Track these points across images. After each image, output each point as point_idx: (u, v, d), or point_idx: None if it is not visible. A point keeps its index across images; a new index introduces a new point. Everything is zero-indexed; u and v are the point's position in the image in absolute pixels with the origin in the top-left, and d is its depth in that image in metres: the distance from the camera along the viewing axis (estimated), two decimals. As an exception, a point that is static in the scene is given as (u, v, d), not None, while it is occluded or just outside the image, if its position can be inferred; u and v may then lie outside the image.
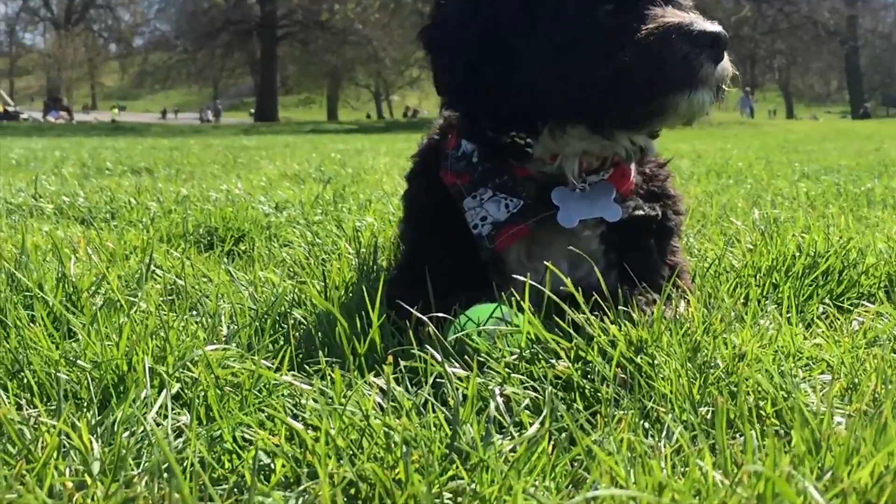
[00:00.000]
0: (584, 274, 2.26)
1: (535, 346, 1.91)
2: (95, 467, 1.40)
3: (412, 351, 1.85)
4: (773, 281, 2.73)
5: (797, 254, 2.87)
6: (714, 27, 2.06)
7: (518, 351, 1.90)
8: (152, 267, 2.88)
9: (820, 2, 57.85)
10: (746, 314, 2.24)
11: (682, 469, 1.44)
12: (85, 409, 1.65)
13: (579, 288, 2.06)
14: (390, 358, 1.79)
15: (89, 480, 1.37)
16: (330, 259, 3.26)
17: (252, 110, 74.08)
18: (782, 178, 7.43)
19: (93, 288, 2.46)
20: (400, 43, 63.43)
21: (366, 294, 2.08)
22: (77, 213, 4.73)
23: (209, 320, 2.16)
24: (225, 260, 3.44)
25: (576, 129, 2.24)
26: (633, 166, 2.40)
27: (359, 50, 62.98)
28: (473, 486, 1.38)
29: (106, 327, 2.01)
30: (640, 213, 2.35)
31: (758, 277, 2.77)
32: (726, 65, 2.12)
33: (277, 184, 6.96)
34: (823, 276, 2.71)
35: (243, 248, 3.83)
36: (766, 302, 2.51)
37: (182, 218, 4.27)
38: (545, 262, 2.17)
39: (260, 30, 62.00)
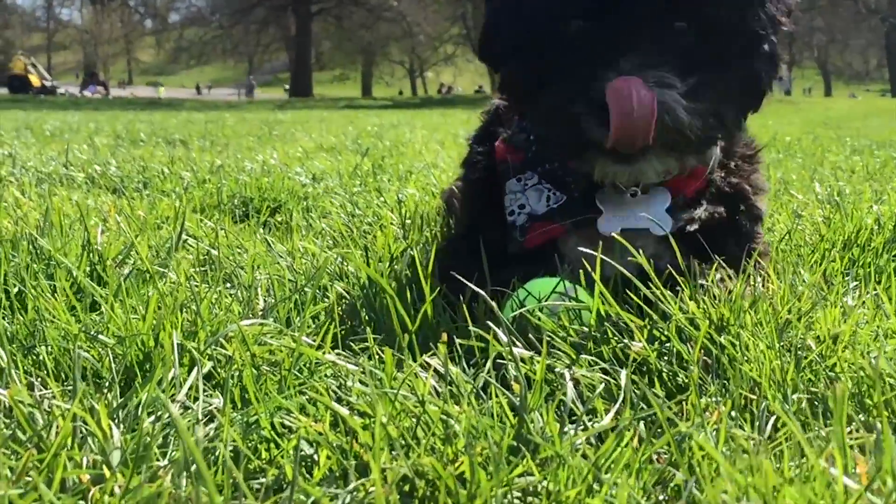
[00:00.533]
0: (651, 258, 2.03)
1: (604, 323, 1.72)
2: (115, 457, 1.21)
3: (469, 328, 1.66)
4: (851, 256, 2.52)
5: (876, 227, 2.66)
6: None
7: (586, 329, 1.71)
8: (184, 236, 2.70)
9: (861, -22, 57.04)
10: (831, 292, 2.03)
11: (791, 466, 1.24)
12: (106, 391, 1.47)
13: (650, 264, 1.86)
14: (445, 336, 1.60)
15: (108, 473, 1.18)
16: (372, 230, 3.08)
17: (286, 86, 74.02)
18: (833, 152, 7.17)
19: (120, 257, 2.28)
20: (434, 19, 63.28)
21: (417, 264, 1.88)
22: (109, 182, 4.57)
23: (244, 293, 1.98)
24: (261, 230, 3.26)
25: None
26: (716, 157, 2.14)
27: (393, 26, 62.81)
28: (547, 484, 1.20)
29: (132, 299, 1.84)
30: (694, 227, 2.08)
31: (833, 253, 2.56)
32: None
33: (314, 155, 6.79)
34: (907, 251, 2.51)
35: (280, 218, 3.66)
36: (847, 279, 2.30)
37: (216, 188, 4.10)
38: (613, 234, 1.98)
39: (295, 6, 61.81)
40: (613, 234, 1.99)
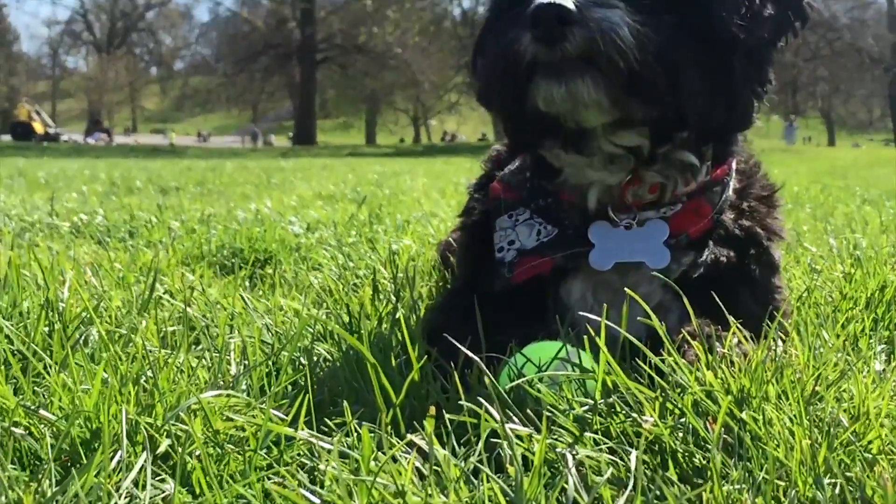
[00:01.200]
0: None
1: (611, 395, 1.54)
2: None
3: (460, 401, 1.48)
4: (875, 315, 2.35)
5: (899, 285, 2.48)
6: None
7: (591, 402, 1.53)
8: (161, 292, 2.53)
9: (863, 29, 57.20)
10: (858, 357, 1.85)
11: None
12: (42, 477, 1.28)
13: (661, 325, 1.68)
14: (432, 409, 1.43)
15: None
16: (362, 285, 2.90)
17: (290, 134, 74.25)
18: (843, 202, 7.02)
19: (87, 315, 2.10)
20: (438, 67, 63.51)
21: (403, 328, 1.71)
22: (94, 231, 4.41)
23: (215, 357, 1.80)
24: (246, 284, 3.09)
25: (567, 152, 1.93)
26: (726, 196, 1.99)
27: (398, 74, 62.93)
28: None
29: (86, 367, 1.66)
30: (697, 272, 1.92)
31: (855, 312, 2.39)
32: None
33: (310, 203, 6.64)
34: (936, 311, 2.33)
35: (269, 270, 3.49)
36: (873, 341, 2.12)
37: (205, 238, 3.94)
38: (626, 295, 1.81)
39: (299, 54, 62.09)
40: (607, 268, 1.91)
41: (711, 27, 1.78)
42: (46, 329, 1.96)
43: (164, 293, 2.49)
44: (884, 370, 1.81)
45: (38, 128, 57.21)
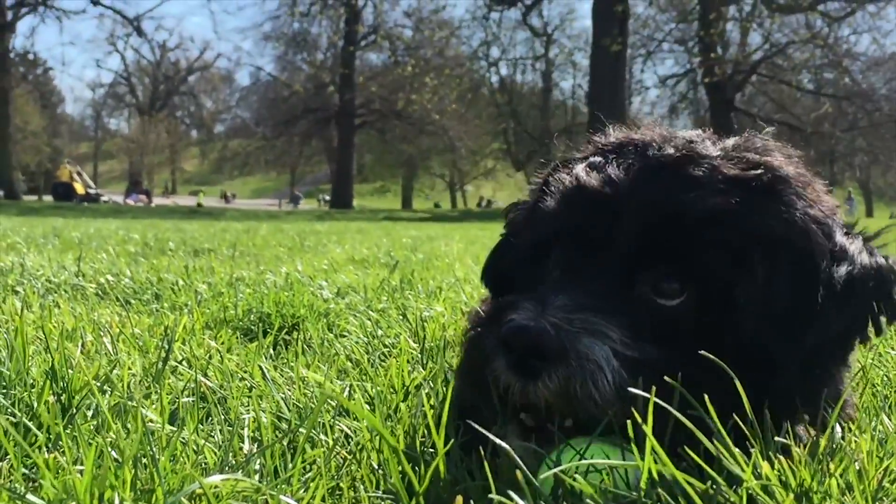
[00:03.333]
0: None
1: (656, 487, 1.39)
2: None
3: (490, 495, 1.34)
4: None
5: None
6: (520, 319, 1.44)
7: (635, 496, 1.38)
8: (178, 360, 2.41)
9: (903, 100, 57.02)
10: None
11: None
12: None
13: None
14: (458, 499, 1.29)
15: None
16: (390, 354, 2.77)
17: (328, 197, 74.63)
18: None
19: (97, 384, 1.98)
20: (476, 133, 63.88)
21: (427, 409, 1.57)
22: (120, 293, 4.32)
23: (228, 433, 1.67)
24: (270, 352, 2.97)
25: None
26: None
27: (435, 139, 63.32)
28: None
29: (90, 443, 1.53)
30: None
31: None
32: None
33: (342, 267, 6.53)
34: None
35: (296, 336, 3.37)
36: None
37: (231, 301, 3.83)
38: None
39: (338, 118, 62.62)
40: None
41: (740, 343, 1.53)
42: (53, 398, 1.84)
43: (180, 360, 2.36)
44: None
45: (79, 188, 57.90)
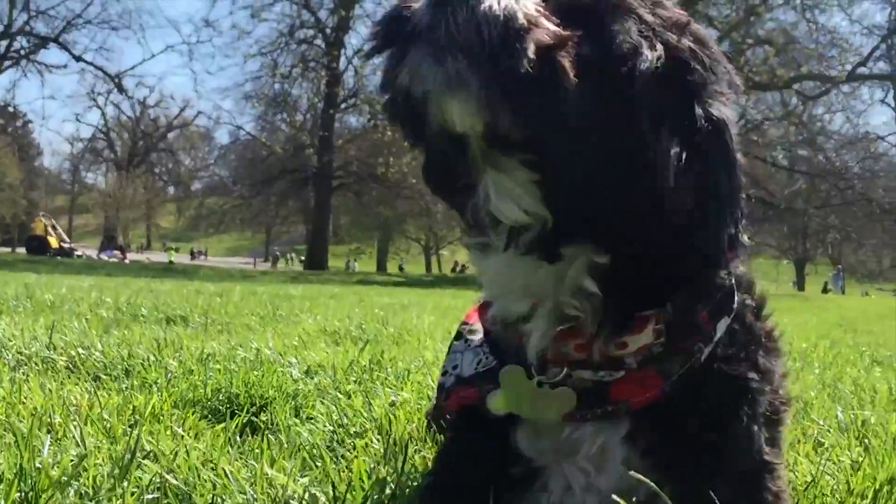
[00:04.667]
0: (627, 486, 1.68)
1: None
2: None
3: None
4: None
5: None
6: None
7: None
8: (144, 453, 2.46)
9: (874, 180, 57.84)
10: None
11: None
12: None
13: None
14: None
15: None
16: (355, 447, 2.82)
17: (301, 257, 74.69)
18: (852, 363, 6.93)
19: (65, 479, 2.03)
20: (452, 199, 64.22)
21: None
22: (91, 367, 4.35)
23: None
24: (237, 438, 3.02)
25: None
26: (690, 363, 1.68)
27: (411, 204, 63.57)
28: None
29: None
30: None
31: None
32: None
33: (314, 342, 6.58)
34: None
35: (265, 418, 3.42)
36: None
37: (202, 380, 3.88)
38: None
39: (316, 180, 62.97)
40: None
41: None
42: (19, 495, 1.89)
43: (147, 453, 2.41)
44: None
45: (53, 242, 57.90)
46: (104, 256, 61.81)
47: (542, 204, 1.53)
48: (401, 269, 76.21)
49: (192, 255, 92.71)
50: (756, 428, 1.75)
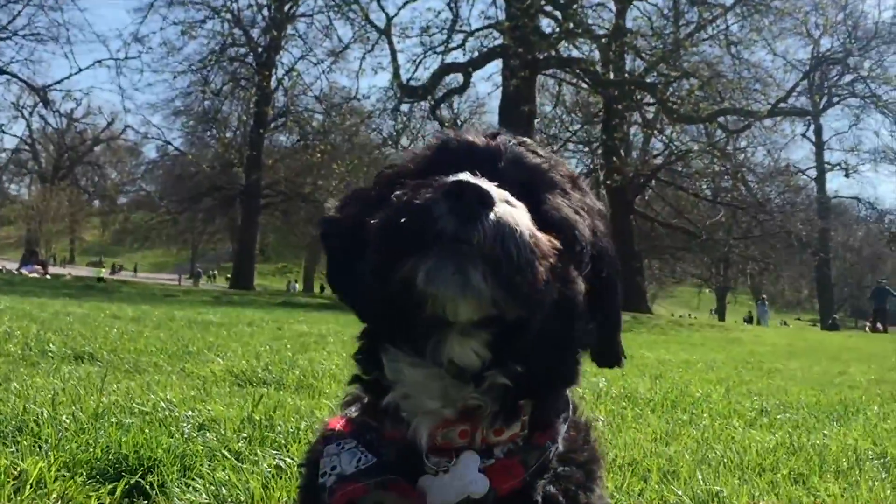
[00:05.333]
0: None
1: None
2: None
3: None
4: None
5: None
6: (472, 178, 1.67)
7: None
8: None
9: (794, 212, 58.99)
10: None
11: None
12: None
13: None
14: None
15: None
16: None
17: (229, 275, 74.13)
18: (739, 415, 7.21)
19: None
20: (381, 220, 64.21)
21: None
22: (-17, 423, 4.43)
23: None
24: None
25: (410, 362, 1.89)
26: (544, 458, 1.97)
27: (339, 225, 63.42)
28: None
29: None
30: None
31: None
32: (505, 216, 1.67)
33: (216, 384, 6.70)
34: None
35: (151, 479, 3.56)
36: None
37: (93, 439, 3.99)
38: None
39: (243, 198, 62.71)
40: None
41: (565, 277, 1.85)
42: None
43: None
44: None
45: (-28, 255, 56.75)
46: (24, 271, 60.65)
47: (490, 351, 1.82)
48: (322, 289, 75.90)
49: (114, 269, 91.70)
50: None
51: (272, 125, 63.40)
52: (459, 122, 64.98)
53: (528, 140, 2.03)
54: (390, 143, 58.20)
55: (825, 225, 72.18)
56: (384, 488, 1.95)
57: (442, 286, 1.65)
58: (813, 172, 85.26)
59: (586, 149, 60.58)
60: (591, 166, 57.25)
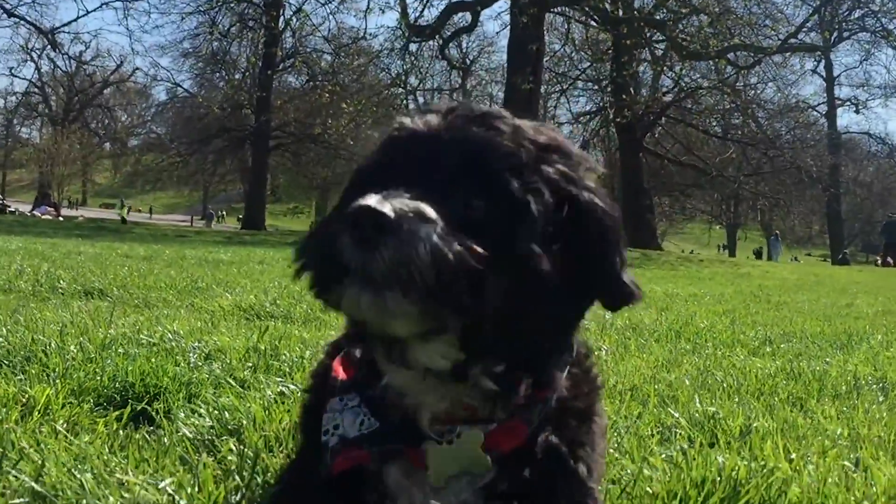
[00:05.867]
0: None
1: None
2: None
3: None
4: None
5: (718, 478, 2.67)
6: (368, 201, 1.69)
7: None
8: (23, 449, 2.66)
9: (804, 148, 58.67)
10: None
11: None
12: None
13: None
14: None
15: None
16: (223, 446, 3.04)
17: (240, 216, 74.24)
18: (742, 344, 7.26)
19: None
20: (390, 160, 64.10)
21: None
22: (-8, 354, 4.50)
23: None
24: (120, 432, 3.22)
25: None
26: (547, 410, 2.06)
27: (349, 164, 63.37)
28: None
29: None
30: (504, 486, 2.00)
31: (673, 505, 2.56)
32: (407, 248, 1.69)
33: (224, 318, 6.77)
34: (741, 511, 2.51)
35: (158, 406, 3.62)
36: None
37: (100, 368, 4.06)
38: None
39: (253, 139, 62.61)
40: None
41: (518, 259, 1.83)
42: None
43: (17, 460, 2.60)
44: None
45: (-15, 198, 57.02)
46: (37, 213, 60.94)
47: (461, 351, 1.85)
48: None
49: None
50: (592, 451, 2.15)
51: (280, 66, 63.07)
52: (468, 62, 64.66)
53: (493, 111, 1.99)
54: (399, 83, 57.97)
55: (835, 160, 71.73)
56: (388, 459, 2.02)
57: (366, 312, 1.72)
58: (823, 108, 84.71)
59: (595, 87, 60.16)
60: (601, 104, 57.00)
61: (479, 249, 1.76)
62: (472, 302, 1.75)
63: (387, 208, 1.68)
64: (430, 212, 1.74)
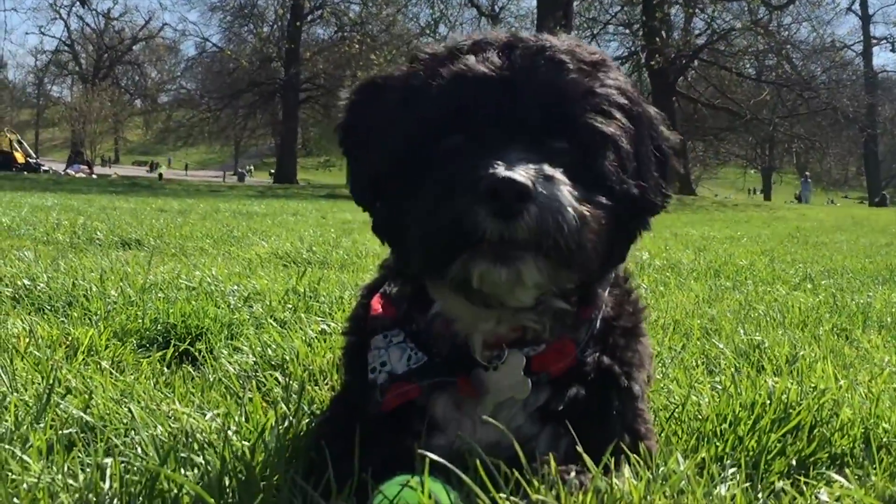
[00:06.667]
0: (520, 439, 1.94)
1: None
2: None
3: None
4: (739, 433, 2.49)
5: (767, 402, 2.63)
6: (505, 172, 1.68)
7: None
8: (70, 384, 2.67)
9: (840, 89, 57.83)
10: (699, 484, 1.98)
11: None
12: None
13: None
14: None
15: None
16: (268, 382, 3.04)
17: (272, 170, 74.39)
18: (783, 280, 7.19)
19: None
20: (420, 110, 63.82)
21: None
22: (36, 298, 4.53)
23: (93, 475, 1.92)
24: (166, 370, 3.23)
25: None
26: (593, 330, 2.09)
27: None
28: None
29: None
30: (560, 406, 2.01)
31: (723, 428, 2.53)
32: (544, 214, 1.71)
33: (261, 266, 6.78)
34: (793, 433, 2.47)
35: (200, 346, 3.63)
36: (728, 461, 2.27)
37: (141, 311, 4.07)
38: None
39: (283, 92, 62.49)
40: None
41: (619, 199, 1.88)
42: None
43: (66, 393, 2.61)
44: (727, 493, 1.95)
45: (19, 158, 57.39)
46: (71, 171, 61.33)
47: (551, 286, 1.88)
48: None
49: (152, 167, 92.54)
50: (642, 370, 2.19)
51: (309, 18, 62.85)
52: (497, 9, 64.05)
53: (547, 43, 1.95)
54: (428, 32, 57.54)
55: (872, 100, 70.72)
56: (439, 390, 2.03)
57: (497, 286, 1.77)
58: (859, 47, 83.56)
59: (627, 31, 59.41)
60: (632, 48, 56.35)
61: (604, 200, 1.82)
62: (590, 262, 1.81)
63: (523, 177, 1.67)
64: (558, 174, 1.75)
